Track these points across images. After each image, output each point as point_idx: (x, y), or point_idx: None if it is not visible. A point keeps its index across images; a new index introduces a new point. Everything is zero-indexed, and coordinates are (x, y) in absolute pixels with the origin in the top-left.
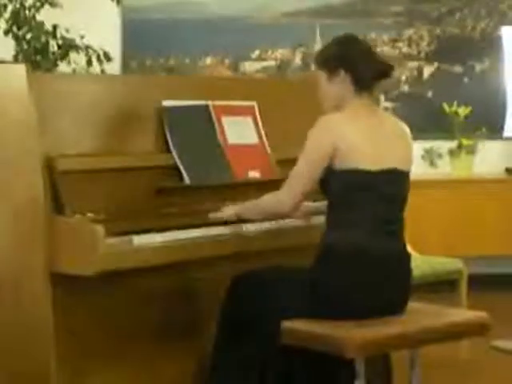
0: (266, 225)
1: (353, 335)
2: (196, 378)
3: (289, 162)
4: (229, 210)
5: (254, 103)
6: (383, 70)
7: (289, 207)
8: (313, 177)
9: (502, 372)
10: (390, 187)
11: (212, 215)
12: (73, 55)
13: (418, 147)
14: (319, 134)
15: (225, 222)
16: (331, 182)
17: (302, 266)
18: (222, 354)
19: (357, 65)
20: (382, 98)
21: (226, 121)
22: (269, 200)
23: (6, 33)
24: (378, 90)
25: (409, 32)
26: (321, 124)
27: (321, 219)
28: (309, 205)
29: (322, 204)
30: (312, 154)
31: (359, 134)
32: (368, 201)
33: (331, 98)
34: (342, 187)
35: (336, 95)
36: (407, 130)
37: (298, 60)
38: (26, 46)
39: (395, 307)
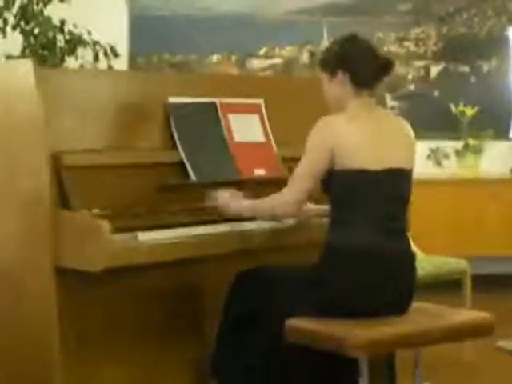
0: (271, 222)
1: (357, 334)
2: (200, 374)
3: (295, 160)
4: (234, 205)
5: (261, 101)
6: (382, 68)
7: (291, 208)
8: (314, 177)
9: (506, 373)
10: (392, 186)
11: (208, 202)
12: (80, 51)
13: (425, 147)
14: (318, 135)
15: (230, 219)
16: (333, 183)
17: (305, 265)
18: (224, 351)
19: (355, 64)
20: (389, 96)
21: (233, 118)
22: (270, 201)
23: (14, 27)
24: (380, 87)
25: (416, 31)
26: (320, 125)
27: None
28: (312, 208)
29: (326, 207)
30: (312, 155)
31: (359, 133)
32: (371, 200)
33: (333, 98)
34: (344, 187)
35: (337, 96)
36: (409, 128)
37: (304, 58)
38: (33, 41)
39: (399, 306)
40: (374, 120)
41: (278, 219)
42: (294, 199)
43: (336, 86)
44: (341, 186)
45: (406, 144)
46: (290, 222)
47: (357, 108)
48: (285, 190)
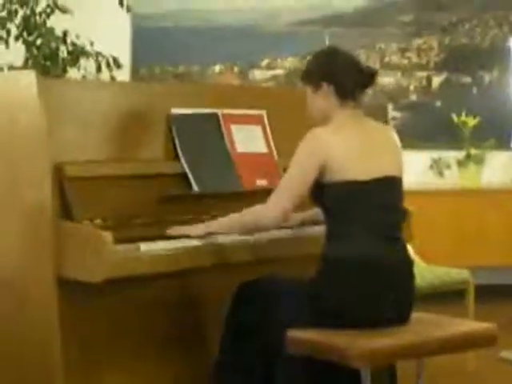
0: (274, 233)
1: (359, 345)
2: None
3: None
4: (197, 229)
5: (263, 112)
6: (366, 79)
7: (277, 218)
8: (302, 189)
9: (508, 382)
10: (384, 195)
11: (174, 231)
12: (82, 61)
13: (426, 157)
14: (307, 148)
15: None
16: (325, 196)
17: (304, 277)
18: (225, 362)
19: (338, 76)
20: (390, 107)
21: (235, 129)
22: (255, 212)
23: (17, 38)
24: (382, 98)
25: (418, 42)
26: (309, 138)
27: (316, 229)
28: (299, 215)
29: (312, 212)
30: (302, 167)
31: (347, 145)
32: (364, 211)
33: (318, 111)
34: (337, 200)
35: (322, 108)
36: (395, 135)
37: None
38: (35, 52)
39: (400, 316)
40: (361, 130)
41: (260, 231)
42: (281, 210)
43: (320, 98)
44: (333, 198)
45: (393, 152)
46: (289, 232)
47: (343, 119)
48: (271, 201)
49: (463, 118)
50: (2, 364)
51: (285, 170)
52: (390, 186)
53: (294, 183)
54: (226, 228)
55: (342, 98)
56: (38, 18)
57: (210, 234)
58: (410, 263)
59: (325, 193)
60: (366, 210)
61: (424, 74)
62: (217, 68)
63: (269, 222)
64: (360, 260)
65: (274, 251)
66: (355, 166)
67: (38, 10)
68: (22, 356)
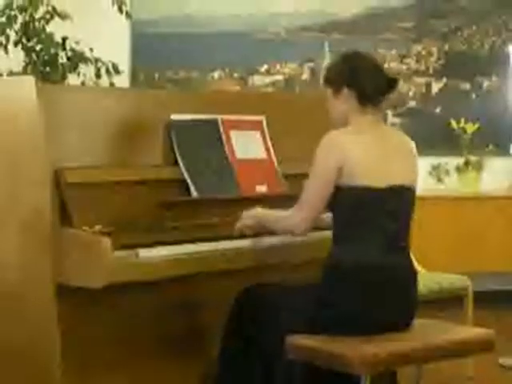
0: (273, 240)
1: (359, 352)
2: None
3: (296, 177)
4: (249, 219)
5: (263, 118)
6: (387, 85)
7: (302, 231)
8: (324, 198)
9: None
10: (396, 204)
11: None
12: (82, 67)
13: (426, 163)
14: (324, 153)
15: (231, 237)
16: (338, 199)
17: (307, 282)
18: (227, 366)
19: (360, 81)
20: (390, 113)
21: (234, 135)
22: (283, 221)
23: (16, 44)
24: (385, 104)
25: (417, 48)
26: (325, 143)
27: (322, 234)
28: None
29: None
30: (320, 176)
31: (364, 150)
32: (375, 217)
33: (337, 114)
34: (349, 204)
35: (342, 111)
36: (412, 145)
37: (306, 75)
38: (35, 58)
39: (402, 323)
40: (379, 136)
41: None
42: (303, 224)
43: (341, 102)
44: (346, 203)
45: (409, 161)
46: (297, 239)
47: (362, 124)
48: (296, 213)
49: (462, 124)
50: (3, 367)
51: (284, 175)
52: (403, 194)
53: (313, 192)
54: (269, 226)
55: (362, 103)
56: (37, 23)
57: (258, 225)
58: (414, 272)
59: (338, 196)
60: (377, 216)
61: (423, 80)
62: (216, 74)
63: (295, 234)
64: (365, 266)
65: (275, 257)
66: (371, 172)
67: (38, 15)
68: (20, 360)
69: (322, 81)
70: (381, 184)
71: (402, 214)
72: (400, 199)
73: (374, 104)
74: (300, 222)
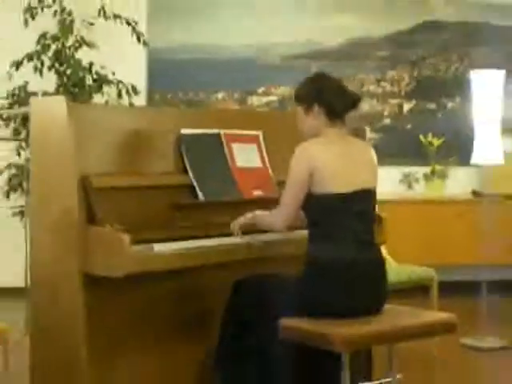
0: (271, 236)
1: (341, 332)
2: (205, 366)
3: None
4: (248, 215)
5: (259, 132)
6: (352, 102)
7: (281, 228)
8: (299, 200)
9: (467, 364)
10: (361, 205)
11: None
12: (105, 88)
13: (398, 172)
14: (298, 163)
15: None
16: (311, 204)
17: (292, 274)
18: (224, 348)
19: (329, 99)
20: (368, 129)
21: (235, 147)
22: (267, 220)
23: (50, 68)
24: (361, 122)
25: (392, 73)
26: (297, 154)
27: (297, 233)
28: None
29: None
30: (295, 182)
31: (332, 159)
32: (344, 219)
33: (308, 128)
34: (321, 209)
35: (312, 126)
36: (372, 151)
37: None
38: (65, 80)
39: (375, 308)
40: (345, 146)
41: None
42: (283, 223)
43: (312, 118)
44: (317, 207)
45: (371, 167)
46: (284, 236)
47: (330, 135)
48: (276, 214)
49: (429, 138)
50: (41, 343)
51: (277, 182)
52: (366, 197)
53: (289, 196)
54: (261, 223)
55: (330, 119)
56: (67, 51)
57: (254, 222)
58: (382, 263)
59: (311, 201)
60: (346, 218)
61: (396, 101)
62: (220, 95)
63: (275, 229)
64: (339, 260)
65: (266, 251)
66: (338, 178)
67: (68, 44)
68: (53, 341)
69: (294, 100)
70: (348, 189)
71: (367, 213)
72: (365, 201)
73: (340, 118)
74: (279, 221)
